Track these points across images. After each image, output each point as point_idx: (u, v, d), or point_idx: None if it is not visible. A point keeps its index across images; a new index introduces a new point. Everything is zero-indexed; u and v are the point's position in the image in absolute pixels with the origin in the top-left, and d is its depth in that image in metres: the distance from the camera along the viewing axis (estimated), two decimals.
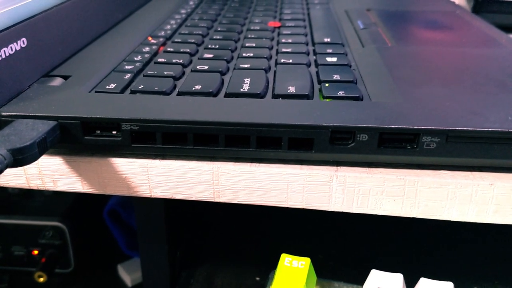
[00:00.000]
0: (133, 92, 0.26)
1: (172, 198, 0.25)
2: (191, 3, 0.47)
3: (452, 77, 0.28)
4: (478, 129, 0.22)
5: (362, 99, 0.25)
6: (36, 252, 0.47)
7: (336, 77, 0.28)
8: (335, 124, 0.22)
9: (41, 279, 0.46)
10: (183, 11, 0.44)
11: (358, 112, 0.23)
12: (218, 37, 0.36)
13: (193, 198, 0.25)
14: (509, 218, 0.23)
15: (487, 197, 0.23)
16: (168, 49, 0.33)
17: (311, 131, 0.22)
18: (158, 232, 0.33)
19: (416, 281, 0.27)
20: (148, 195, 0.25)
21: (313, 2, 0.49)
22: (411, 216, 0.24)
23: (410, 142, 0.23)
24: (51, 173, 0.25)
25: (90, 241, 0.49)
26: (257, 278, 0.35)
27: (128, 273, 0.47)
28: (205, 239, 0.38)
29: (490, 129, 0.22)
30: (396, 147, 0.23)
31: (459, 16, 0.43)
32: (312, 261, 0.38)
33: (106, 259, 0.49)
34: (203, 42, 0.36)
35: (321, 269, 0.37)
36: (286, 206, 0.24)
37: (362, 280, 0.28)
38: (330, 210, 0.24)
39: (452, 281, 0.26)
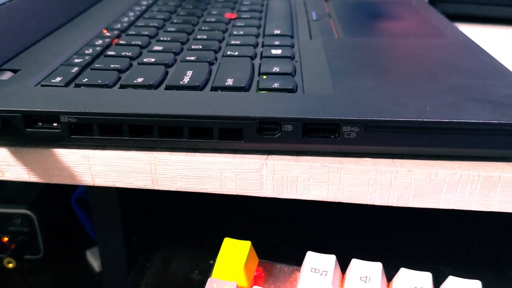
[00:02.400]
0: (77, 85, 0.27)
1: (114, 186, 0.26)
2: None
3: (387, 68, 0.29)
4: (394, 119, 0.23)
5: (295, 91, 0.27)
6: (6, 239, 0.48)
7: (276, 69, 0.29)
8: (262, 115, 0.24)
9: (11, 265, 0.47)
10: (144, 2, 0.45)
11: (287, 104, 0.25)
12: (172, 29, 0.37)
13: (133, 186, 0.26)
14: (427, 203, 0.25)
15: (406, 183, 0.24)
16: (121, 41, 0.34)
17: (240, 122, 0.24)
18: (113, 218, 0.34)
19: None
20: (91, 184, 0.26)
21: None
22: (337, 201, 0.25)
23: (333, 132, 0.24)
24: None
25: (59, 228, 0.50)
26: (211, 261, 0.36)
27: (96, 259, 0.48)
28: (161, 225, 0.39)
29: (406, 119, 0.23)
30: (320, 136, 0.24)
31: (413, 7, 0.44)
32: (265, 245, 0.39)
33: (74, 245, 0.50)
34: (157, 34, 0.37)
35: (273, 252, 0.38)
36: (221, 193, 0.26)
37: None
38: (262, 196, 0.26)
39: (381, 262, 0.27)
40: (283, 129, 0.24)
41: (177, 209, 0.41)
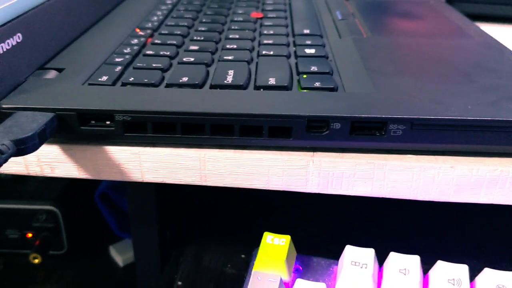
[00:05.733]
0: (124, 84, 0.28)
1: (163, 182, 0.27)
2: None
3: (421, 67, 0.30)
4: (439, 117, 0.24)
5: (336, 90, 0.27)
6: (30, 235, 0.49)
7: (314, 68, 0.30)
8: (311, 114, 0.24)
9: (36, 261, 0.48)
10: (169, 1, 0.45)
11: (332, 102, 0.26)
12: (203, 29, 0.38)
13: (182, 182, 0.27)
14: (467, 197, 0.26)
15: (448, 179, 0.25)
16: (156, 41, 0.35)
17: (289, 120, 0.25)
18: (149, 214, 0.35)
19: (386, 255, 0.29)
20: (140, 180, 0.27)
21: None
22: (380, 196, 0.26)
23: (379, 130, 0.25)
24: (49, 161, 0.27)
25: (82, 224, 0.51)
26: (243, 256, 0.37)
27: (119, 254, 0.49)
28: (194, 220, 0.40)
29: (450, 117, 0.24)
30: (366, 134, 0.25)
31: (432, 7, 0.45)
32: (294, 239, 0.40)
33: (98, 241, 0.51)
34: (188, 33, 0.37)
35: (302, 246, 0.39)
36: (268, 188, 0.27)
37: (338, 255, 0.31)
38: (307, 191, 0.26)
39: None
40: (331, 127, 0.25)
41: (208, 204, 0.41)
